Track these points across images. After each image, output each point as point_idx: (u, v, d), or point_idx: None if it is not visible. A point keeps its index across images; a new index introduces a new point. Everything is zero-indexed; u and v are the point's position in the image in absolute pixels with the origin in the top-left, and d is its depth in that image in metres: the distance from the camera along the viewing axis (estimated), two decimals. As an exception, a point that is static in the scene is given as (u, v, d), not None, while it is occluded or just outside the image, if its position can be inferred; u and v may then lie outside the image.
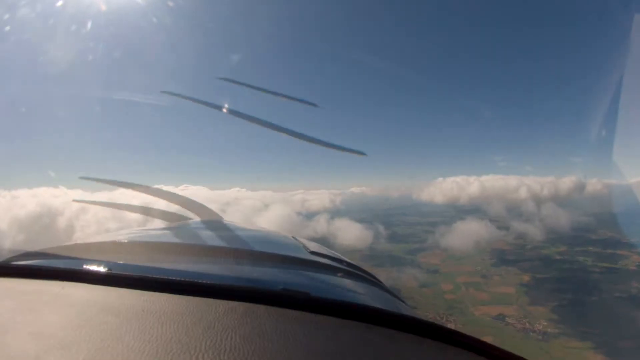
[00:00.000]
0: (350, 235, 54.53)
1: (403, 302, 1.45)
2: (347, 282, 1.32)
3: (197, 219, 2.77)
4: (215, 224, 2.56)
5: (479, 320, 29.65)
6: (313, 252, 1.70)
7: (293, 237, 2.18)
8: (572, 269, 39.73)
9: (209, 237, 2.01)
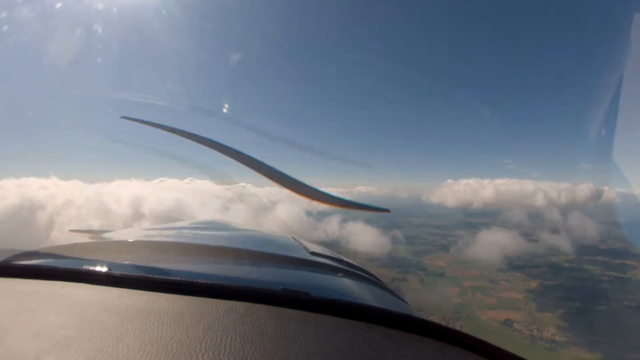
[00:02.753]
0: (359, 237, 54.22)
1: (404, 301, 1.44)
2: (347, 282, 1.32)
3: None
4: (215, 224, 2.54)
5: (486, 325, 29.48)
6: (313, 253, 1.70)
7: (293, 237, 2.16)
8: (581, 277, 39.28)
9: (209, 237, 1.99)
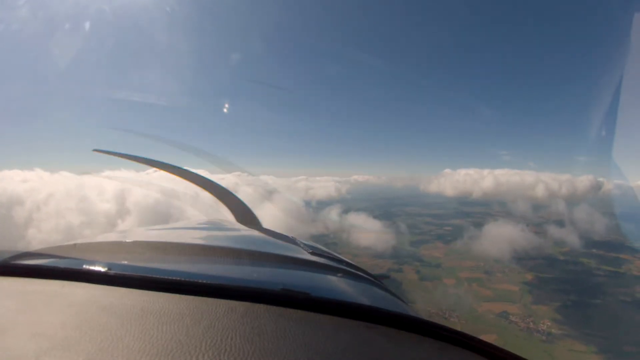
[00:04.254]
0: (356, 227, 53.37)
1: (403, 301, 1.43)
2: (347, 282, 1.31)
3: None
4: (215, 224, 2.54)
5: (482, 317, 29.47)
6: (313, 253, 1.70)
7: (293, 237, 2.17)
8: (576, 270, 39.51)
9: (209, 237, 1.99)
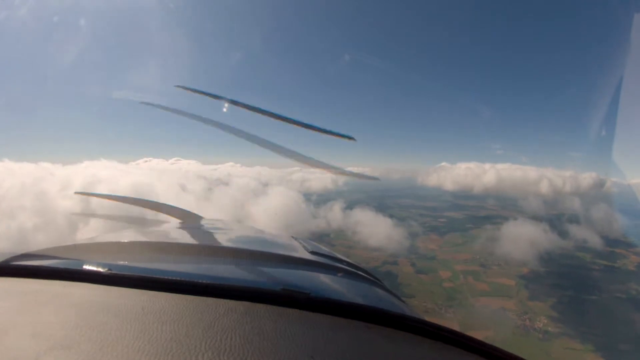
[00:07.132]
0: (352, 221, 52.43)
1: (403, 301, 1.42)
2: (347, 282, 1.31)
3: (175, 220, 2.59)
4: (215, 224, 2.54)
5: (478, 312, 29.03)
6: (313, 252, 1.69)
7: (292, 237, 2.16)
8: (572, 264, 39.33)
9: (209, 237, 1.98)
